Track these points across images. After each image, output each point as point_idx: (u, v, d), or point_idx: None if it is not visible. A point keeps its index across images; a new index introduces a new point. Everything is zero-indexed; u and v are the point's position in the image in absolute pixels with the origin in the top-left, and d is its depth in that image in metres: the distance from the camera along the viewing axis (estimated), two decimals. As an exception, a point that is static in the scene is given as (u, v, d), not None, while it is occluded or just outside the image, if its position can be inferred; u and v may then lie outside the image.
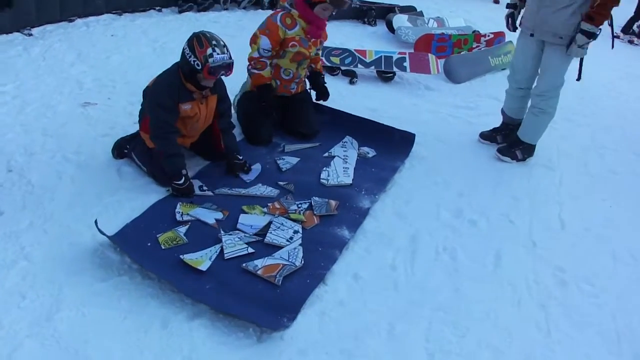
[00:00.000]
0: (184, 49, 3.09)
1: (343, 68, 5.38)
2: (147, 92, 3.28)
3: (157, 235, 2.83)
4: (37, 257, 2.66)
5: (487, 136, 4.40)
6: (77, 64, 4.88)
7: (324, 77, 4.18)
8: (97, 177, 3.30)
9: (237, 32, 6.26)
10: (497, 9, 9.28)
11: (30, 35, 5.54)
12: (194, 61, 3.02)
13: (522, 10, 4.04)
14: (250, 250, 2.81)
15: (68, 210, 2.99)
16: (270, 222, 3.04)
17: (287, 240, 2.92)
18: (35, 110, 3.99)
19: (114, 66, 4.96)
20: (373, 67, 5.37)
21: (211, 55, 3.00)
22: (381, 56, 5.41)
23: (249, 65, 3.80)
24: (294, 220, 3.10)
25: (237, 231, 2.94)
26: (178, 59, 3.15)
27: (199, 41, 3.04)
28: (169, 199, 3.16)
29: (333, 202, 3.29)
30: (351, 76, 5.37)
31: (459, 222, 3.35)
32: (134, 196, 3.16)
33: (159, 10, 7.24)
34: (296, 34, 3.67)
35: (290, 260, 2.78)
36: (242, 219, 3.05)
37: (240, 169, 3.46)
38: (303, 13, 3.61)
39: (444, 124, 4.65)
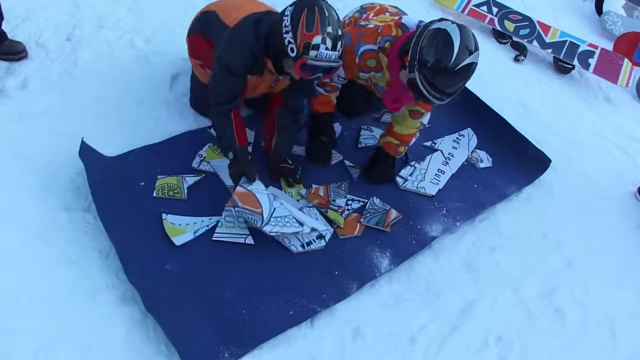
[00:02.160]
0: (283, 15, 2.08)
1: (515, 39, 4.30)
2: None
3: (159, 177, 2.33)
4: (23, 151, 2.31)
5: (646, 196, 3.26)
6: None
7: (393, 160, 2.74)
8: (149, 77, 2.84)
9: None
10: None
11: None
12: (289, 42, 2.06)
13: None
14: (249, 241, 2.21)
15: (89, 108, 2.58)
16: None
17: (302, 246, 2.26)
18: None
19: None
20: (551, 50, 4.23)
21: (316, 47, 2.03)
22: (566, 40, 4.21)
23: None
24: (330, 220, 2.41)
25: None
26: None
27: (310, 18, 2.02)
28: (205, 132, 2.62)
29: (393, 213, 2.51)
30: (520, 51, 4.29)
31: (542, 307, 2.38)
32: (171, 115, 2.67)
33: None
34: (374, 78, 2.52)
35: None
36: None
37: (289, 175, 2.53)
38: (390, 66, 2.40)
39: (602, 155, 3.48)
